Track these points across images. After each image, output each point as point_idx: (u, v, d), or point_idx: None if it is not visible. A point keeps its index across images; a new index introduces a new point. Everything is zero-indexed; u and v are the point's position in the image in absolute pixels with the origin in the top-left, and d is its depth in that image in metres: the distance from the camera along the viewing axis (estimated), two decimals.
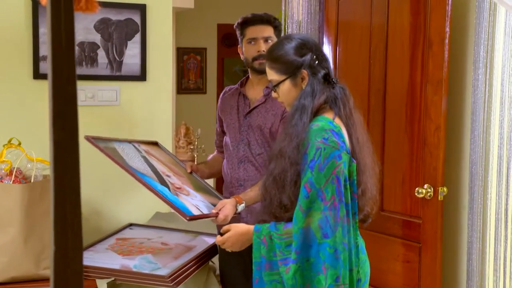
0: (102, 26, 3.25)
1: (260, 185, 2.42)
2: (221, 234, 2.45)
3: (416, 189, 3.18)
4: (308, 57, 2.28)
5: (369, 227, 2.61)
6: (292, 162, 2.19)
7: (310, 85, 2.27)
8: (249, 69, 3.08)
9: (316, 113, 2.26)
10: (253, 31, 2.99)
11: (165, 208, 3.34)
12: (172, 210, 2.58)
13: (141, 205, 3.23)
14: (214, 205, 2.77)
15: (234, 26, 3.12)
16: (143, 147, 2.95)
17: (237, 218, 2.89)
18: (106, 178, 3.14)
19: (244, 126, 2.99)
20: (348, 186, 2.18)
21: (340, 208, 2.13)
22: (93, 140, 2.69)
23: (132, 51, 3.32)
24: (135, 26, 3.32)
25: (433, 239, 3.15)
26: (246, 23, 3.02)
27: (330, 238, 2.11)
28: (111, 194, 3.19)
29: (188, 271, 2.51)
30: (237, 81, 3.18)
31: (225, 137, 3.13)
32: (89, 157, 3.07)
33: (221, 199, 2.90)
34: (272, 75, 2.35)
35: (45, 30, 3.03)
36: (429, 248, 3.18)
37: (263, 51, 2.90)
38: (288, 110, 2.41)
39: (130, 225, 3.09)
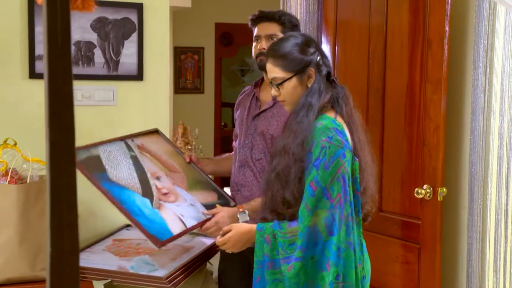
0: (99, 25, 3.23)
1: (262, 182, 2.42)
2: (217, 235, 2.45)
3: (416, 189, 3.17)
4: (315, 55, 2.29)
5: (368, 227, 2.60)
6: (297, 158, 2.19)
7: (317, 83, 2.27)
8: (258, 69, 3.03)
9: (319, 112, 2.25)
10: (258, 29, 2.93)
11: None
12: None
13: None
14: (211, 205, 2.73)
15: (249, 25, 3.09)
16: (137, 142, 2.86)
17: (233, 193, 2.90)
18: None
19: (251, 129, 2.92)
20: (350, 184, 2.20)
21: (345, 206, 2.14)
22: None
23: (129, 50, 3.30)
24: (132, 25, 3.30)
25: (433, 240, 3.14)
26: (253, 21, 2.98)
27: (335, 236, 2.12)
28: None
29: (186, 272, 2.49)
30: (234, 81, 3.17)
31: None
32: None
33: (222, 193, 2.90)
34: (277, 72, 2.31)
35: (41, 29, 3.01)
36: (428, 249, 3.16)
37: (264, 49, 2.82)
38: (288, 109, 2.39)
39: (127, 226, 3.07)
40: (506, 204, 2.93)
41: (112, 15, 3.25)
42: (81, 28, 3.19)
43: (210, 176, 3.04)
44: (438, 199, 3.11)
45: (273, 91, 2.36)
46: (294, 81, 2.29)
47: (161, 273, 2.40)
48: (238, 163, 2.92)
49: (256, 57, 2.90)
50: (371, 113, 3.44)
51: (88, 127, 3.20)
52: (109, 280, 2.46)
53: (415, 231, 3.23)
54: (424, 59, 3.15)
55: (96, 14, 3.21)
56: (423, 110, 3.16)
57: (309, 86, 2.28)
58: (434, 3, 3.09)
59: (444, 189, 3.11)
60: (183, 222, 2.53)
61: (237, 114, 3.07)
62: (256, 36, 2.91)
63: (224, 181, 5.75)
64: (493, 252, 2.98)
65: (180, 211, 2.58)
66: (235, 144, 3.09)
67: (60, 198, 0.75)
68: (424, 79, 3.15)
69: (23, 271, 2.63)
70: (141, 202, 2.49)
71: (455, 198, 3.25)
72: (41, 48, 3.06)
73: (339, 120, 2.25)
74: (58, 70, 0.75)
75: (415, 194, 3.17)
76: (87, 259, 2.61)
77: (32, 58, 3.09)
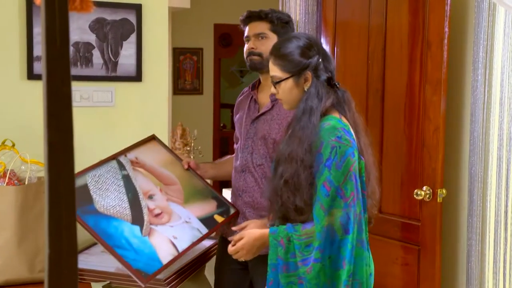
0: (97, 26, 3.23)
1: (266, 190, 2.39)
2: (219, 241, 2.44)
3: (415, 191, 3.16)
4: (314, 59, 2.28)
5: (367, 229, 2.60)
6: (306, 165, 2.19)
7: (314, 87, 2.27)
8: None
9: (321, 115, 2.26)
10: (247, 30, 2.88)
11: None
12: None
13: None
14: (208, 217, 2.70)
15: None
16: (131, 156, 2.77)
17: (233, 199, 2.85)
18: None
19: (250, 132, 2.86)
20: (359, 183, 2.23)
21: (357, 204, 2.17)
22: None
23: (127, 51, 3.29)
24: (131, 26, 3.29)
25: (432, 242, 3.14)
26: (242, 22, 2.93)
27: (350, 235, 2.15)
28: None
29: (184, 275, 2.48)
30: (233, 81, 3.13)
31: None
32: (84, 159, 3.04)
33: (222, 200, 2.85)
34: (275, 71, 2.33)
35: (39, 30, 3.00)
36: (428, 250, 3.16)
37: (252, 48, 2.81)
38: (286, 108, 2.41)
39: None
40: (506, 206, 2.93)
41: (110, 16, 3.24)
42: (79, 29, 3.19)
43: (209, 181, 3.01)
44: (438, 200, 3.10)
45: (272, 89, 2.38)
46: (290, 82, 2.30)
47: (160, 275, 2.39)
48: (239, 167, 2.87)
49: (247, 57, 2.86)
50: (371, 114, 3.43)
51: (86, 128, 3.19)
52: (108, 282, 2.45)
53: (415, 233, 3.23)
54: (423, 60, 3.15)
55: (94, 15, 3.20)
56: (423, 111, 3.15)
57: (305, 89, 2.29)
58: (434, 3, 3.08)
59: (444, 191, 3.11)
60: (175, 246, 2.49)
61: (236, 118, 3.03)
62: (246, 36, 2.88)
63: (224, 183, 5.73)
64: (492, 254, 2.98)
65: (173, 232, 2.55)
66: (236, 146, 3.05)
67: (59, 200, 0.75)
68: (424, 80, 3.14)
69: (21, 273, 2.62)
70: (130, 232, 2.45)
71: (454, 200, 3.25)
72: (39, 49, 3.06)
73: (344, 120, 2.27)
74: (57, 71, 0.74)
75: (415, 196, 3.17)
76: (85, 261, 2.60)
77: (31, 59, 3.08)
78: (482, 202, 3.01)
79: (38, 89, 3.08)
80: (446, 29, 3.03)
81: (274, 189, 2.29)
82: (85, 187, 2.55)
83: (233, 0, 7.67)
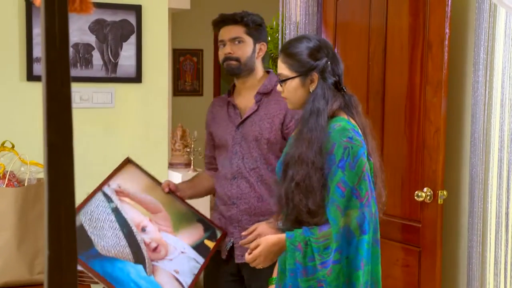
0: (97, 27, 3.22)
1: (278, 194, 2.37)
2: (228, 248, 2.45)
3: (416, 192, 3.16)
4: (322, 61, 2.28)
5: None
6: (317, 167, 2.18)
7: (321, 88, 2.27)
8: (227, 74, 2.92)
9: (329, 117, 2.26)
10: (221, 34, 2.85)
11: None
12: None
13: None
14: (199, 244, 2.67)
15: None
16: (114, 185, 2.69)
17: (225, 208, 2.81)
18: (101, 181, 3.10)
19: (237, 138, 2.80)
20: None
21: (372, 204, 2.19)
22: None
23: (127, 52, 3.29)
24: (131, 27, 3.28)
25: (433, 243, 3.13)
26: (216, 25, 2.90)
27: (367, 234, 2.16)
28: None
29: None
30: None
31: (215, 152, 2.95)
32: (83, 160, 3.04)
33: (207, 223, 2.78)
34: (283, 69, 2.33)
35: (38, 31, 2.99)
36: (428, 252, 3.15)
37: (229, 53, 2.78)
38: (290, 107, 2.41)
39: None
40: (507, 207, 2.92)
41: (110, 17, 3.23)
42: (79, 30, 3.18)
43: (188, 202, 2.90)
44: (439, 202, 3.10)
45: (278, 87, 2.39)
46: (296, 81, 2.30)
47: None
48: (230, 175, 2.80)
49: (223, 61, 2.82)
50: (371, 115, 3.42)
51: (86, 130, 3.18)
52: None
53: (415, 234, 3.22)
54: (424, 61, 3.14)
55: (94, 16, 3.20)
56: (423, 112, 3.15)
57: (311, 90, 2.29)
58: (434, 5, 3.08)
59: (445, 192, 3.10)
60: (180, 283, 2.52)
61: (213, 128, 2.94)
62: (220, 40, 2.84)
63: None
64: (493, 255, 2.97)
65: (173, 266, 2.56)
66: (208, 158, 3.01)
67: (58, 201, 0.75)
68: (424, 81, 3.14)
69: (21, 275, 2.62)
70: (136, 273, 2.45)
71: (455, 201, 3.24)
72: (39, 50, 3.05)
73: (352, 121, 2.28)
74: (56, 72, 0.74)
75: (415, 197, 3.16)
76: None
77: (30, 60, 3.08)
78: (483, 203, 3.00)
79: (37, 90, 3.07)
80: (447, 30, 3.02)
81: (284, 193, 2.27)
82: (82, 228, 2.50)
83: (233, 2, 7.67)
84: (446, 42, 3.03)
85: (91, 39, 3.22)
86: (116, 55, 3.27)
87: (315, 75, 2.28)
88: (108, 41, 3.25)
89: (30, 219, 2.65)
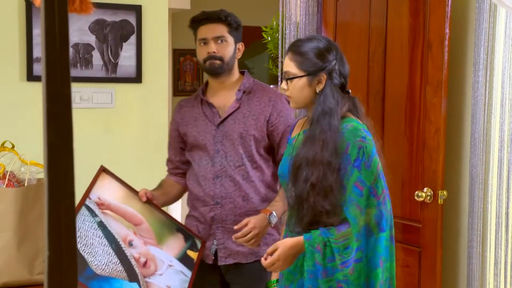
0: (97, 27, 3.22)
1: (287, 197, 2.35)
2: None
3: (416, 192, 3.16)
4: (332, 63, 2.28)
5: None
6: (334, 167, 2.19)
7: (330, 89, 2.27)
8: (208, 76, 2.85)
9: (341, 117, 2.27)
10: (203, 31, 2.76)
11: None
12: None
13: None
14: (183, 255, 2.65)
15: (188, 26, 2.89)
16: (94, 197, 2.59)
17: (207, 209, 2.75)
18: None
19: (218, 137, 2.74)
20: None
21: (387, 201, 2.22)
22: None
23: (127, 52, 3.29)
24: (131, 27, 3.29)
25: (433, 243, 3.13)
26: (197, 22, 2.80)
27: (386, 232, 2.20)
28: None
29: None
30: None
31: (189, 153, 2.84)
32: (83, 160, 3.04)
33: (186, 232, 2.73)
34: (291, 67, 2.32)
35: (38, 32, 2.99)
36: (429, 252, 3.15)
37: (214, 52, 2.72)
38: (292, 106, 2.40)
39: None
40: (507, 207, 2.92)
41: (110, 17, 3.24)
42: (79, 30, 3.18)
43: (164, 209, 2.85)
44: (439, 202, 3.10)
45: (283, 85, 2.37)
46: (303, 80, 2.29)
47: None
48: (212, 175, 2.74)
49: (205, 61, 2.75)
50: (371, 115, 3.42)
51: (86, 130, 3.18)
52: None
53: (416, 234, 3.22)
54: (424, 61, 3.14)
55: (94, 16, 3.20)
56: (423, 112, 3.15)
57: (317, 91, 2.29)
58: (434, 5, 3.08)
59: (445, 192, 3.10)
60: None
61: (185, 129, 2.83)
62: (202, 38, 2.76)
63: None
64: (493, 255, 2.97)
65: (165, 282, 2.55)
66: (173, 162, 2.91)
67: (58, 201, 0.75)
68: (424, 81, 3.14)
69: (21, 275, 2.62)
70: None
71: (455, 201, 3.24)
72: (39, 51, 3.05)
73: (361, 122, 2.29)
74: (56, 72, 0.74)
75: (416, 197, 3.16)
76: None
77: (30, 60, 3.08)
78: (483, 203, 3.00)
79: (37, 90, 3.07)
80: (447, 30, 3.02)
81: (298, 194, 2.26)
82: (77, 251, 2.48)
83: (233, 2, 7.66)
84: (446, 42, 3.03)
85: (91, 39, 3.22)
86: (116, 55, 3.28)
87: (323, 76, 2.27)
88: (108, 41, 3.25)
89: (30, 219, 2.65)
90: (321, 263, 2.20)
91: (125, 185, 2.70)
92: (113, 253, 2.48)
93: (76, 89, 3.15)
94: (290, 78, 2.31)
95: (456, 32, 3.17)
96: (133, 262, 2.50)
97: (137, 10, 3.29)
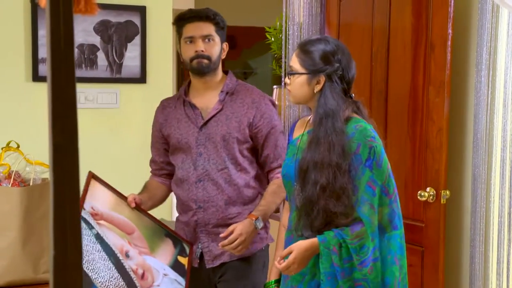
0: (102, 28, 3.24)
1: (296, 198, 2.32)
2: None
3: (419, 192, 3.16)
4: (334, 66, 2.30)
5: None
6: (344, 169, 2.20)
7: (330, 91, 2.28)
8: (191, 74, 2.75)
9: (346, 119, 2.29)
10: (190, 29, 2.67)
11: (169, 216, 3.33)
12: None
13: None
14: (175, 263, 2.62)
15: (172, 23, 2.80)
16: (87, 207, 2.49)
17: (191, 213, 2.70)
18: (107, 181, 3.12)
19: (201, 139, 2.67)
20: None
21: (398, 199, 2.27)
22: None
23: (132, 53, 3.31)
24: (135, 28, 3.30)
25: (436, 243, 3.14)
26: (183, 20, 2.70)
27: (399, 230, 2.24)
28: None
29: None
30: None
31: (172, 157, 2.78)
32: (88, 160, 3.06)
33: (175, 237, 2.69)
34: (295, 63, 2.35)
35: (44, 32, 3.02)
36: (431, 251, 3.16)
37: (202, 51, 2.64)
38: (291, 100, 2.43)
39: None
40: (509, 207, 2.93)
41: (115, 18, 3.25)
42: (84, 31, 3.20)
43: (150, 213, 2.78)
44: (441, 201, 3.10)
45: (286, 79, 2.42)
46: (303, 78, 2.32)
47: None
48: (195, 178, 2.67)
49: (192, 59, 2.67)
50: (374, 115, 3.42)
51: (91, 130, 3.20)
52: None
53: (418, 234, 3.23)
54: (427, 62, 3.15)
55: (99, 17, 3.22)
56: (426, 112, 3.15)
57: (315, 91, 2.31)
58: (437, 5, 3.08)
59: (447, 192, 3.11)
60: None
61: (168, 130, 2.76)
62: (188, 36, 2.67)
63: None
64: (496, 255, 2.98)
65: None
66: (157, 164, 2.84)
67: (64, 201, 0.75)
68: (427, 81, 3.15)
69: (26, 274, 2.64)
70: None
71: (458, 201, 3.25)
72: (44, 51, 3.07)
73: (367, 122, 2.32)
74: (61, 73, 0.75)
75: (418, 197, 3.17)
76: None
77: (36, 61, 3.10)
78: (486, 203, 3.01)
79: (43, 90, 3.09)
80: (450, 31, 3.03)
81: (308, 198, 2.25)
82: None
83: (236, 3, 7.68)
84: (449, 43, 3.03)
85: (96, 40, 3.24)
86: (121, 56, 3.30)
87: (322, 78, 2.29)
88: (113, 42, 3.27)
89: (35, 218, 2.66)
90: (338, 264, 2.20)
91: (113, 191, 2.63)
92: (113, 267, 2.43)
93: (81, 89, 3.16)
94: (292, 73, 2.35)
95: (458, 33, 3.17)
96: (132, 275, 2.46)
97: (141, 11, 3.31)
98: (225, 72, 2.82)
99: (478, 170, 3.03)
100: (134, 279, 2.46)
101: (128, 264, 2.47)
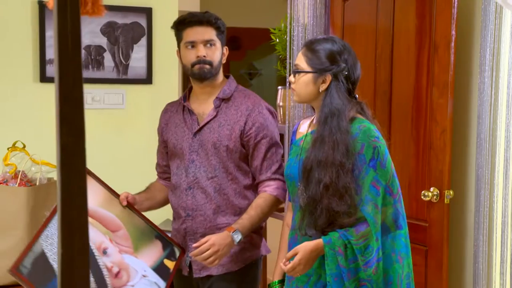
0: (109, 29, 3.27)
1: (299, 198, 2.31)
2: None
3: (422, 192, 3.18)
4: (340, 66, 2.31)
5: None
6: (348, 168, 2.20)
7: (335, 91, 2.29)
8: (191, 79, 2.71)
9: (351, 119, 2.30)
10: (191, 34, 2.62)
11: None
12: None
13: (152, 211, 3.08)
14: (159, 265, 2.57)
15: (171, 27, 2.75)
16: None
17: (181, 221, 2.66)
18: (113, 181, 3.15)
19: (194, 146, 2.63)
20: None
21: (402, 200, 2.29)
22: (15, 271, 2.27)
23: (138, 54, 3.33)
24: (141, 30, 3.33)
25: (439, 242, 3.15)
26: (183, 24, 2.65)
27: (403, 229, 2.26)
28: None
29: None
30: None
31: (170, 162, 2.76)
32: (94, 160, 3.08)
33: (166, 240, 2.65)
34: (301, 61, 2.36)
35: (51, 34, 3.04)
36: (435, 251, 3.17)
37: (204, 56, 2.59)
38: (295, 99, 2.42)
39: None
40: None
41: (121, 19, 3.28)
42: (91, 32, 3.23)
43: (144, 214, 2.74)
44: (445, 201, 3.12)
45: (291, 77, 2.41)
46: (309, 77, 2.33)
47: None
48: (185, 185, 2.63)
49: (194, 64, 2.61)
50: (378, 116, 3.43)
51: (97, 130, 3.22)
52: None
53: (422, 234, 3.24)
54: (430, 63, 3.16)
55: (105, 18, 3.25)
56: (430, 113, 3.17)
57: (320, 90, 2.32)
58: (441, 7, 3.10)
59: (451, 192, 3.12)
60: None
61: (167, 134, 2.75)
62: (190, 41, 2.62)
63: None
64: (499, 254, 2.99)
65: None
66: (161, 166, 2.84)
67: (71, 200, 0.76)
68: (431, 82, 3.16)
69: None
70: None
71: (461, 201, 3.26)
72: (51, 52, 3.10)
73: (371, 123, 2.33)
74: (69, 74, 0.75)
75: (422, 197, 3.18)
76: None
77: (43, 62, 3.13)
78: (489, 203, 3.02)
79: (50, 91, 3.12)
80: (453, 32, 3.04)
81: (312, 197, 2.25)
82: (43, 255, 2.33)
83: (242, 4, 7.70)
84: (452, 44, 3.05)
85: (103, 41, 3.27)
86: (127, 57, 3.32)
87: (328, 77, 2.30)
88: (119, 43, 3.30)
89: (41, 218, 2.68)
90: (344, 265, 2.20)
91: (107, 188, 2.62)
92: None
93: (88, 90, 3.19)
94: (298, 72, 2.35)
95: (462, 34, 3.19)
96: (105, 272, 2.42)
97: (147, 12, 3.33)
98: (227, 76, 2.78)
99: (481, 170, 3.04)
100: (106, 276, 2.41)
101: (103, 261, 2.43)
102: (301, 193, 2.32)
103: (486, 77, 2.99)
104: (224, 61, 2.73)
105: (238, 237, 2.49)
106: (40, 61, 3.12)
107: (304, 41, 3.64)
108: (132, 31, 3.31)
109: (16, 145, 2.81)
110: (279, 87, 4.02)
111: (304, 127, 2.50)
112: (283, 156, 2.75)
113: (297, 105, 3.68)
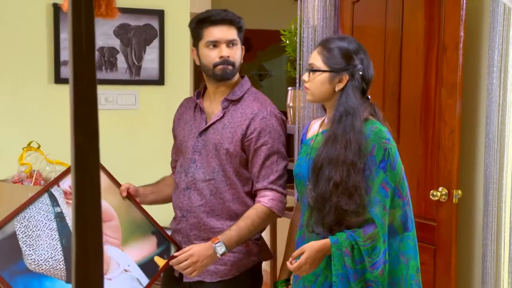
0: (122, 31, 3.31)
1: (308, 196, 2.29)
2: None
3: (431, 192, 3.19)
4: (356, 66, 2.30)
5: None
6: (359, 167, 2.20)
7: (352, 91, 2.28)
8: (206, 77, 2.61)
9: (364, 120, 2.30)
10: (214, 33, 2.50)
11: None
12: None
13: (160, 207, 3.07)
14: (147, 261, 2.48)
15: (188, 25, 2.63)
16: (65, 185, 2.36)
17: (176, 221, 2.62)
18: (125, 181, 3.19)
19: (197, 146, 2.56)
20: None
21: (411, 202, 2.29)
22: None
23: (150, 56, 3.37)
24: (154, 32, 3.37)
25: (448, 242, 3.16)
26: (205, 22, 2.52)
27: (411, 232, 2.26)
28: None
29: None
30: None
31: (178, 157, 2.70)
32: (107, 160, 3.13)
33: (162, 236, 2.58)
34: (317, 60, 2.33)
35: (66, 36, 3.09)
36: (443, 250, 3.19)
37: (227, 57, 2.50)
38: (308, 98, 2.40)
39: None
40: None
41: (134, 21, 3.32)
42: (104, 34, 3.27)
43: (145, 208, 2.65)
44: (454, 201, 3.13)
45: (305, 76, 2.37)
46: (325, 76, 2.31)
47: None
48: (184, 185, 2.57)
49: (218, 64, 2.51)
50: (387, 116, 3.44)
51: (111, 130, 3.26)
52: None
53: (431, 233, 3.26)
54: (439, 64, 3.18)
55: (118, 21, 3.29)
56: (438, 114, 3.18)
57: (336, 89, 2.31)
58: (449, 8, 3.11)
59: (459, 192, 3.13)
60: None
61: (177, 130, 2.69)
62: (212, 41, 2.50)
63: None
64: (508, 254, 3.00)
65: (112, 287, 2.34)
66: (175, 165, 2.74)
67: (85, 200, 0.77)
68: (439, 83, 3.17)
69: None
70: None
71: (470, 200, 3.27)
72: (66, 54, 3.14)
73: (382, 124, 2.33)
74: (83, 75, 0.77)
75: (431, 196, 3.20)
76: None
77: (58, 63, 3.17)
78: (497, 202, 3.03)
79: (65, 92, 3.16)
80: (462, 33, 3.05)
81: (320, 194, 2.23)
82: (14, 236, 2.21)
83: (252, 6, 7.72)
84: (461, 45, 3.06)
85: (116, 43, 3.31)
86: (140, 58, 3.36)
87: (345, 76, 2.29)
88: (132, 45, 3.34)
89: None
90: (351, 266, 2.19)
91: (110, 176, 2.53)
92: (60, 249, 2.24)
93: (101, 91, 3.23)
94: (313, 70, 2.32)
95: (470, 35, 3.20)
96: None
97: (159, 14, 3.37)
98: (242, 76, 2.69)
99: (490, 170, 3.05)
100: None
101: None
102: (309, 192, 2.31)
103: (494, 78, 3.01)
104: (241, 61, 2.62)
105: (221, 249, 2.39)
106: (55, 62, 3.17)
107: (314, 42, 3.66)
108: (145, 33, 3.36)
109: (31, 145, 2.84)
110: (289, 88, 4.05)
111: (315, 127, 2.49)
112: (287, 167, 2.62)
113: (307, 105, 3.70)
